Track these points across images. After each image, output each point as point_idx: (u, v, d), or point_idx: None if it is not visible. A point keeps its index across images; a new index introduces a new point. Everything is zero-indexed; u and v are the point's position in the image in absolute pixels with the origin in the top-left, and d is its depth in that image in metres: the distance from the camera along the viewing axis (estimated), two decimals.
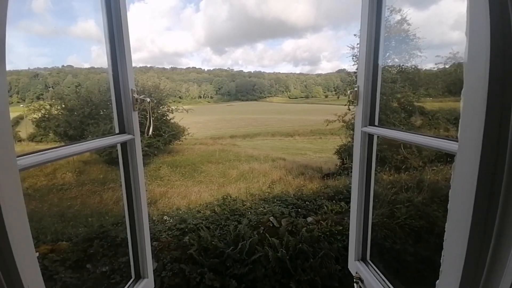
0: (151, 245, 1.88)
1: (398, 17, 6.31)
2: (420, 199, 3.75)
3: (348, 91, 1.43)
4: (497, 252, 0.68)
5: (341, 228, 3.60)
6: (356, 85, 1.44)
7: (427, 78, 6.58)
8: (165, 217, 4.22)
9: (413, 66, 6.95)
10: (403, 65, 7.05)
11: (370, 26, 1.35)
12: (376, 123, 1.40)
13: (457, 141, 0.76)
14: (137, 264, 1.45)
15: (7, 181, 0.64)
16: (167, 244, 3.43)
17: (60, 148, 0.96)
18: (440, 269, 0.83)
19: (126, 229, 1.42)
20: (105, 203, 5.78)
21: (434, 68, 5.91)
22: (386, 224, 3.38)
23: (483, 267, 0.70)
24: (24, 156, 0.80)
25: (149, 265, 1.47)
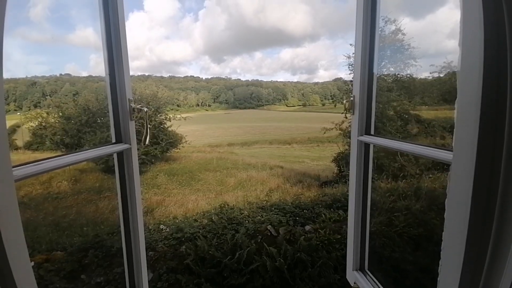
0: (147, 255, 1.85)
1: (393, 27, 6.42)
2: (418, 207, 3.74)
3: (344, 101, 1.45)
4: (494, 261, 0.68)
5: (339, 236, 3.58)
6: (352, 95, 1.45)
7: (422, 86, 6.67)
8: (161, 226, 4.18)
9: (408, 75, 7.04)
10: (398, 74, 7.14)
11: (364, 36, 1.38)
12: (372, 132, 1.41)
13: (452, 151, 0.76)
14: (131, 274, 1.42)
15: (2, 191, 0.63)
16: (163, 254, 3.38)
17: (56, 158, 0.95)
18: (438, 279, 0.83)
19: (121, 239, 1.40)
20: (101, 212, 5.71)
21: (429, 77, 5.99)
22: (385, 232, 3.37)
23: (480, 276, 0.70)
24: (20, 167, 0.80)
25: (144, 276, 1.44)
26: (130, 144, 1.30)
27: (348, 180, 1.57)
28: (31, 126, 10.43)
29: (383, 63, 6.74)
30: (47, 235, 4.28)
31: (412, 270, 2.84)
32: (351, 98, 1.43)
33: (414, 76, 6.95)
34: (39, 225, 4.69)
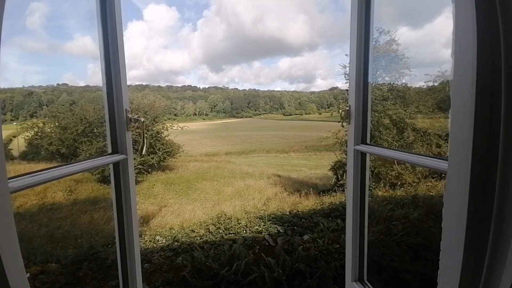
0: (143, 267, 1.82)
1: (387, 37, 6.56)
2: (416, 215, 3.74)
3: (340, 110, 1.46)
4: (492, 270, 0.68)
5: (338, 246, 3.54)
6: (348, 104, 1.47)
7: (417, 95, 6.76)
8: (157, 237, 4.12)
9: (403, 84, 7.15)
10: (393, 83, 7.25)
11: (359, 47, 1.40)
12: (368, 141, 1.42)
13: (447, 160, 0.77)
14: (126, 287, 1.39)
15: None
16: (159, 266, 3.32)
17: (52, 169, 0.94)
18: None
19: (116, 250, 1.38)
20: (96, 223, 5.63)
21: (423, 86, 6.09)
22: (383, 241, 3.34)
23: (478, 285, 0.70)
24: (16, 178, 0.79)
25: None
26: (127, 155, 1.29)
27: (346, 188, 1.58)
28: (27, 136, 10.38)
29: (378, 72, 6.85)
30: (41, 247, 4.21)
31: (411, 280, 2.81)
32: (347, 108, 1.44)
33: (409, 85, 7.06)
34: (34, 236, 4.61)
